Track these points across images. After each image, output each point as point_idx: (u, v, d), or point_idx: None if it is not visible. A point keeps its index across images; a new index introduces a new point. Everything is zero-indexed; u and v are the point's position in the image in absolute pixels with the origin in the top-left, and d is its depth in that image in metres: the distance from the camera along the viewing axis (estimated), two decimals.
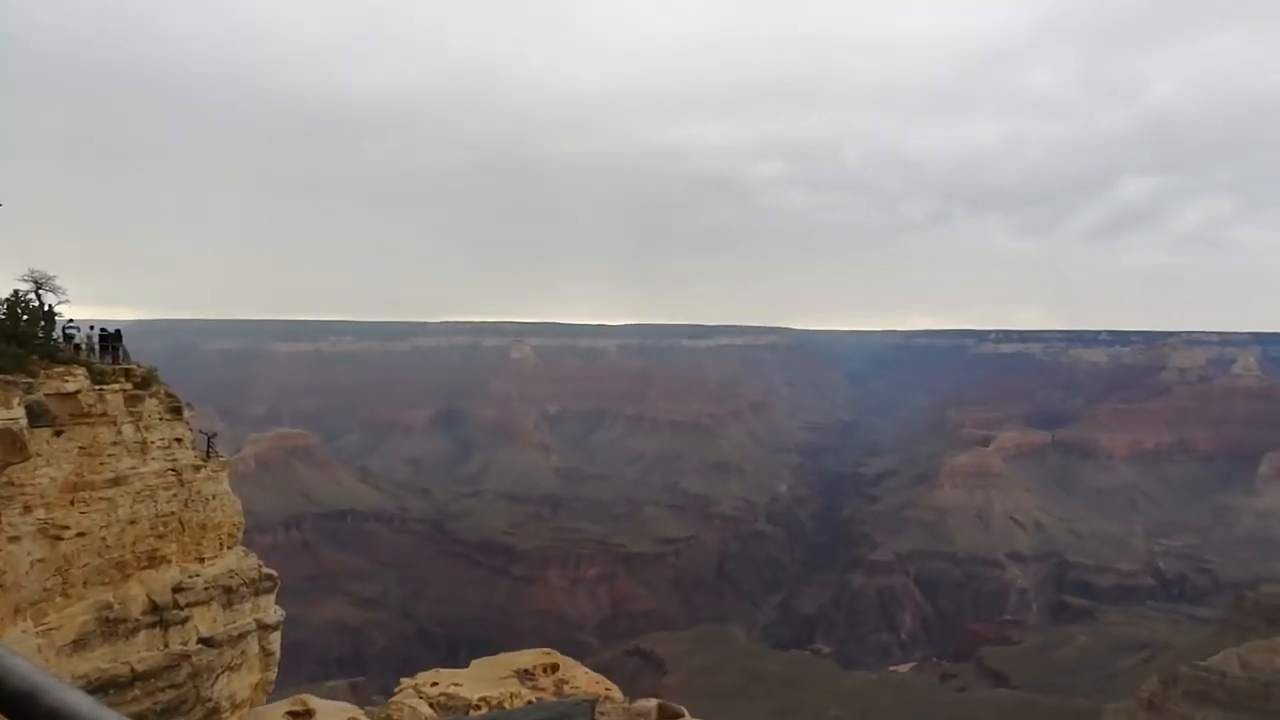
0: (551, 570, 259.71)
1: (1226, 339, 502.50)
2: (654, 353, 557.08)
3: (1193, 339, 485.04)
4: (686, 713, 10.12)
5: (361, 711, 26.52)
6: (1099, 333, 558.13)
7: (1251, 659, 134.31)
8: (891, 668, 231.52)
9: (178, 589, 29.05)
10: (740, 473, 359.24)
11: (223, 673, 30.51)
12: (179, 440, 30.88)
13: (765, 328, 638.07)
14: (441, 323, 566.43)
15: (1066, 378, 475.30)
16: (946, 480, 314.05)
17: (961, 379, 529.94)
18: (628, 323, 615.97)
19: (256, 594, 32.61)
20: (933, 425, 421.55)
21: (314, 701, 28.76)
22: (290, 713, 28.42)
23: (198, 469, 31.17)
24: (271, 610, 33.70)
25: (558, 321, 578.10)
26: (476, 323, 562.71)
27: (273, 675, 33.37)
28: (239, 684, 31.21)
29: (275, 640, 33.65)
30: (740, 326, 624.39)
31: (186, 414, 31.47)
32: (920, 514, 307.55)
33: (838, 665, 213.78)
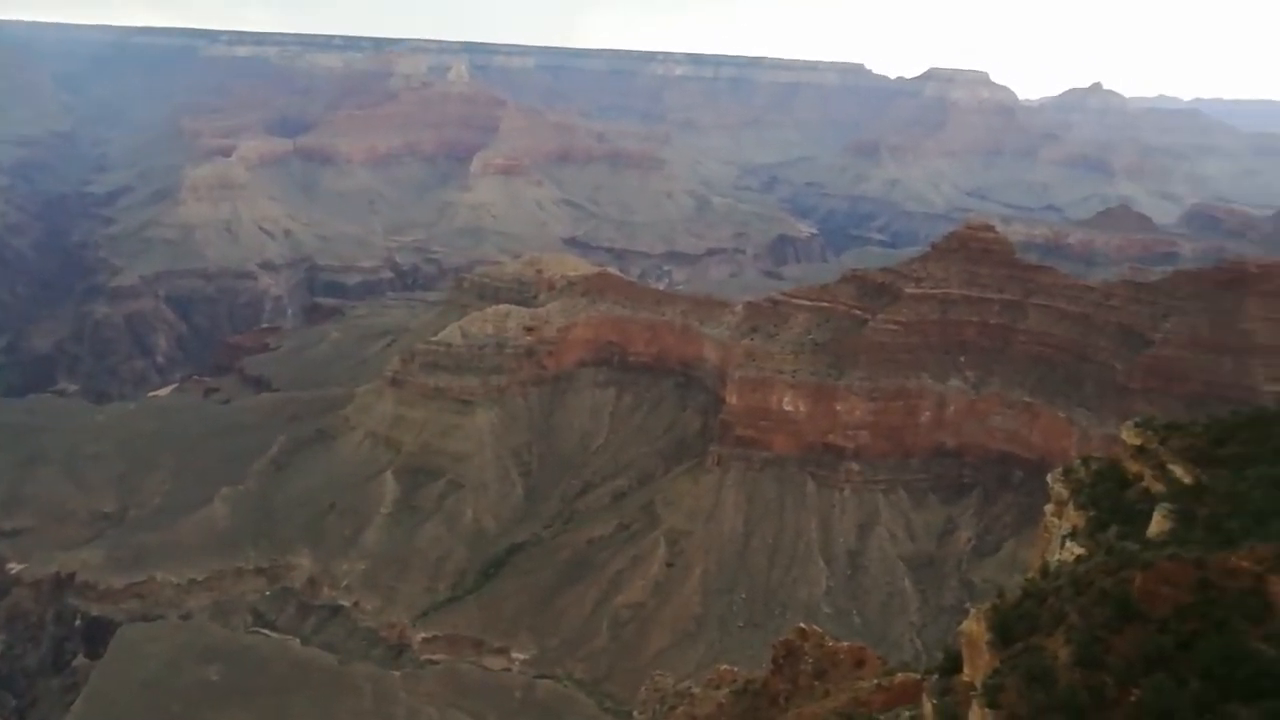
0: None
1: (443, 47, 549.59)
2: None
3: (416, 46, 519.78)
4: None
5: None
6: (332, 37, 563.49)
7: (469, 329, 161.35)
8: (151, 394, 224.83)
9: None
10: None
11: None
12: None
13: None
14: None
15: (304, 84, 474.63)
16: (189, 194, 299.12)
17: (194, 84, 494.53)
18: None
19: None
20: (168, 136, 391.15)
21: None
22: None
23: None
24: None
25: None
26: None
27: None
28: None
29: None
30: None
31: None
32: (164, 232, 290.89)
33: (88, 402, 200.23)
